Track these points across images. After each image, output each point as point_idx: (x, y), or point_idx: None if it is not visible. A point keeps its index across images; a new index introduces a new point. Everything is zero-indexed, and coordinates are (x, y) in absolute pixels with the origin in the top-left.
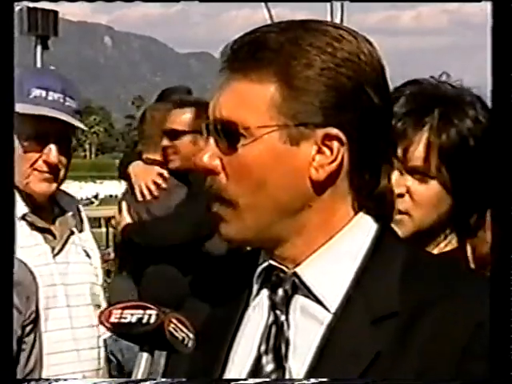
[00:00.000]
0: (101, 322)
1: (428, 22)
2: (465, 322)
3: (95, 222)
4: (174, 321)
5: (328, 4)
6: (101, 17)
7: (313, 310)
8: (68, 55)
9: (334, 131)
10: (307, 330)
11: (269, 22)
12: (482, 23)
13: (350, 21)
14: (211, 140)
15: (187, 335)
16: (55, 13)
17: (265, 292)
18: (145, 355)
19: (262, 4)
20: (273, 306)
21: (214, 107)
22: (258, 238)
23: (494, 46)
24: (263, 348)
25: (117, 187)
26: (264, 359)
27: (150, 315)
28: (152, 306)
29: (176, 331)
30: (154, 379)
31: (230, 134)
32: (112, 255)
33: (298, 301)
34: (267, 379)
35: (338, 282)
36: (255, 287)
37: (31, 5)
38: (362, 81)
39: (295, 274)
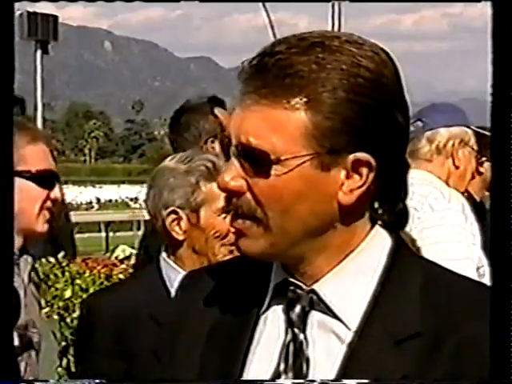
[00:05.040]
0: None
1: (429, 26)
2: (488, 341)
3: (95, 226)
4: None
5: (329, 8)
6: (101, 21)
7: (332, 326)
8: (68, 60)
9: (364, 156)
10: (327, 347)
11: (268, 26)
12: (483, 27)
13: (349, 25)
14: (235, 161)
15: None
16: (55, 17)
17: (279, 306)
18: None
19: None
20: (290, 323)
21: (239, 131)
22: (278, 255)
23: (494, 50)
24: (282, 367)
25: (116, 192)
26: (283, 378)
27: None
28: None
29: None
30: (155, 379)
31: (259, 161)
32: None
33: (316, 316)
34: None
35: (357, 298)
36: (267, 298)
37: (31, 9)
38: (387, 100)
39: (313, 291)
